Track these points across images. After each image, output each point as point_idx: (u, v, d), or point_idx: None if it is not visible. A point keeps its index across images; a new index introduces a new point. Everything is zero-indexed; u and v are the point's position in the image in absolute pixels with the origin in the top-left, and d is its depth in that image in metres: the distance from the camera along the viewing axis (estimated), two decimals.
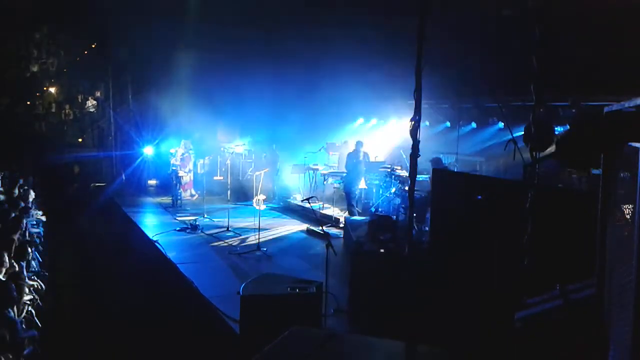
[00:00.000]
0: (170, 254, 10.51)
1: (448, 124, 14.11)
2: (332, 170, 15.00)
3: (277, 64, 15.22)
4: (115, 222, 14.75)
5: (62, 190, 18.24)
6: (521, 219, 4.07)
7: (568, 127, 3.57)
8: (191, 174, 16.69)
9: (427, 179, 10.37)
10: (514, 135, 5.19)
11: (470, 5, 10.75)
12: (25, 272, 8.17)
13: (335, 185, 14.35)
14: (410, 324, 4.90)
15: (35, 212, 12.77)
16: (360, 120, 17.28)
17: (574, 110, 9.76)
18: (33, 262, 9.30)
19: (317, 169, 15.32)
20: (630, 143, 2.78)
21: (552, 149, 3.83)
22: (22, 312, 7.16)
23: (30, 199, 13.10)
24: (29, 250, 9.00)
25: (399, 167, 11.70)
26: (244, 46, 15.45)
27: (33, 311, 7.48)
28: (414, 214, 6.01)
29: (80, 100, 25.07)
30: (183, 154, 16.38)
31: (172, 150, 16.92)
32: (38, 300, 7.95)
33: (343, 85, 13.74)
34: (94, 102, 24.93)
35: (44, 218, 12.89)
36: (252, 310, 6.05)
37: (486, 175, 11.57)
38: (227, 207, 12.82)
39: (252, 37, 15.06)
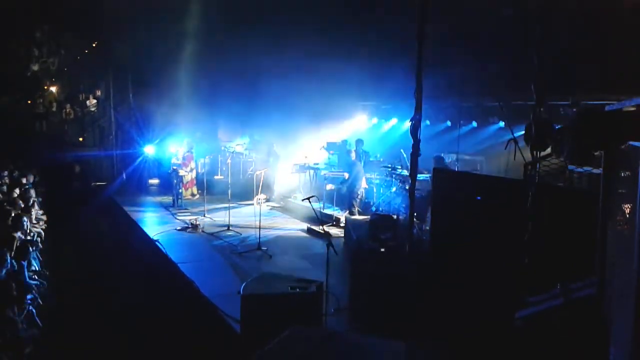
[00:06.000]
0: (171, 253, 10.51)
1: (449, 123, 14.10)
2: (332, 169, 14.99)
3: (278, 62, 15.21)
4: (116, 221, 14.75)
5: (62, 189, 18.22)
6: (522, 217, 4.08)
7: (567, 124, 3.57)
8: (194, 173, 16.69)
9: (428, 178, 10.37)
10: (515, 134, 5.19)
11: (471, 4, 10.75)
12: (26, 271, 8.18)
13: (332, 186, 14.32)
14: (410, 324, 4.90)
15: (36, 211, 12.77)
16: (362, 118, 17.29)
17: (574, 110, 9.75)
18: (34, 261, 9.32)
19: (317, 168, 15.32)
20: (630, 142, 2.78)
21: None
22: (23, 311, 7.17)
23: (31, 198, 13.10)
24: (30, 249, 9.01)
25: (400, 167, 11.70)
26: (245, 45, 15.44)
27: (34, 310, 7.49)
28: (415, 213, 6.00)
29: (81, 99, 25.05)
30: (185, 153, 16.38)
31: (173, 150, 16.93)
32: (39, 299, 7.96)
33: (345, 84, 13.74)
34: (95, 101, 24.91)
35: (44, 217, 12.90)
36: (253, 310, 6.06)
37: (487, 174, 11.56)
38: (227, 206, 12.81)
39: (253, 35, 15.05)
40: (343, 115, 16.96)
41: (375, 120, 17.02)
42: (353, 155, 13.07)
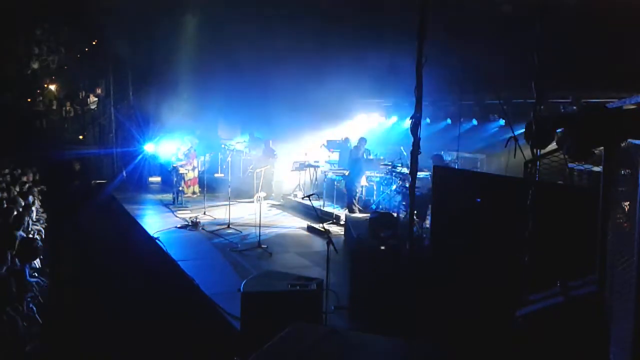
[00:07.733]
0: (171, 251, 10.52)
1: (449, 120, 14.09)
2: (333, 167, 15.00)
3: (277, 60, 15.21)
4: (116, 219, 14.75)
5: (63, 187, 18.22)
6: (522, 215, 4.07)
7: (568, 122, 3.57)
8: (196, 171, 16.68)
9: (428, 176, 10.37)
10: (515, 132, 5.19)
11: (472, 1, 10.74)
12: (27, 269, 8.17)
13: (337, 183, 14.34)
14: (410, 321, 4.91)
15: (36, 209, 12.77)
16: (362, 116, 17.28)
17: (575, 107, 9.75)
18: None
19: (317, 166, 15.32)
20: (631, 140, 2.78)
21: (553, 145, 3.83)
22: (24, 308, 7.17)
23: (31, 196, 13.10)
24: (39, 246, 8.97)
25: (400, 164, 11.70)
26: (244, 42, 15.43)
27: (34, 307, 7.49)
28: (415, 211, 6.01)
29: (81, 97, 25.07)
30: (188, 151, 16.36)
31: (174, 148, 16.92)
32: (39, 297, 7.96)
33: (344, 81, 13.74)
34: (95, 99, 24.92)
35: (45, 215, 12.90)
36: (253, 307, 6.05)
37: (487, 172, 11.56)
38: (227, 204, 12.82)
39: (252, 33, 15.04)
40: (344, 113, 16.95)
41: (376, 117, 17.01)
42: (363, 152, 13.08)
